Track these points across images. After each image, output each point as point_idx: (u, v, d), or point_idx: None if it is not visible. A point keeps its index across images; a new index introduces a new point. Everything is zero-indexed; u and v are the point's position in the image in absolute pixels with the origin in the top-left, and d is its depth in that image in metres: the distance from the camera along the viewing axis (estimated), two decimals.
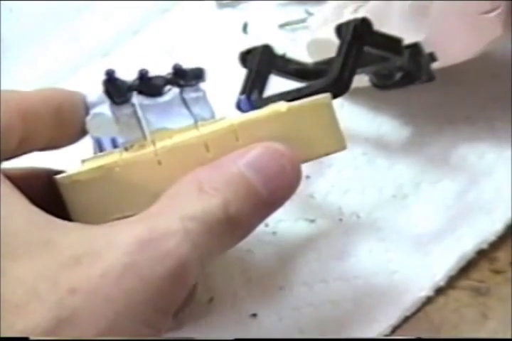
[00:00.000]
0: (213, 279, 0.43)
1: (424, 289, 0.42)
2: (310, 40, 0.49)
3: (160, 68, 0.35)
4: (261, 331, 0.41)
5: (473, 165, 0.46)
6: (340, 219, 0.45)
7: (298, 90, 0.41)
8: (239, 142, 0.33)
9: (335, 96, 0.36)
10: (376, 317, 0.41)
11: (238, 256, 0.44)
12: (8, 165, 0.33)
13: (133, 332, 0.29)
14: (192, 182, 0.32)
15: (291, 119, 0.34)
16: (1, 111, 0.32)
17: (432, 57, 0.43)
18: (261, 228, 0.43)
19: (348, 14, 0.45)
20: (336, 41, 0.41)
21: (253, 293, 0.43)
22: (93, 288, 0.29)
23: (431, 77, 0.43)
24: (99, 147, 0.35)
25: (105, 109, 0.34)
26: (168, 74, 0.35)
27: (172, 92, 0.35)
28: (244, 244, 0.42)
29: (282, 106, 0.34)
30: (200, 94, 0.35)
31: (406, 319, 0.41)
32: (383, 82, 0.44)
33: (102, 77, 0.34)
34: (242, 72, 0.44)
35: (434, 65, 0.43)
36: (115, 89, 0.34)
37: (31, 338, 0.28)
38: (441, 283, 0.42)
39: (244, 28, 0.56)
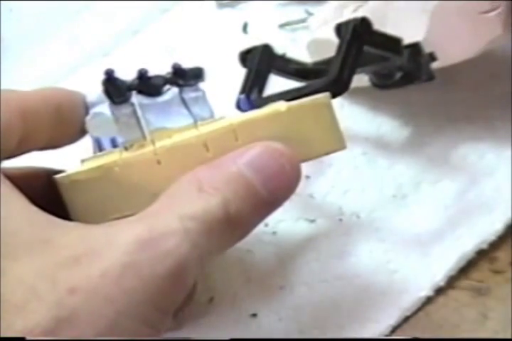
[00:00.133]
0: (213, 279, 0.43)
1: (424, 289, 0.41)
2: (310, 40, 0.49)
3: (160, 68, 0.35)
4: (261, 331, 0.41)
5: (474, 165, 0.46)
6: (340, 219, 0.45)
7: (297, 90, 0.41)
8: (238, 141, 0.33)
9: (334, 95, 0.36)
10: (376, 317, 0.41)
11: (238, 256, 0.44)
12: (8, 164, 0.33)
13: (133, 331, 0.30)
14: (191, 182, 0.32)
15: (290, 119, 0.34)
16: (1, 111, 0.32)
17: (432, 57, 0.43)
18: (261, 228, 0.43)
19: (348, 14, 0.45)
20: (335, 41, 0.41)
21: (253, 293, 0.43)
22: (93, 288, 0.29)
23: (431, 76, 0.43)
24: (99, 147, 0.35)
25: (105, 108, 0.35)
26: (168, 73, 0.35)
27: (171, 92, 0.35)
28: (244, 244, 0.42)
29: (282, 105, 0.34)
30: (199, 93, 0.35)
31: (406, 319, 0.41)
32: (383, 82, 0.44)
33: (102, 76, 0.34)
34: (242, 72, 0.44)
35: (434, 65, 0.43)
36: (114, 89, 0.34)
37: (28, 338, 0.28)
38: (441, 283, 0.42)
39: (244, 28, 0.56)
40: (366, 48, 0.40)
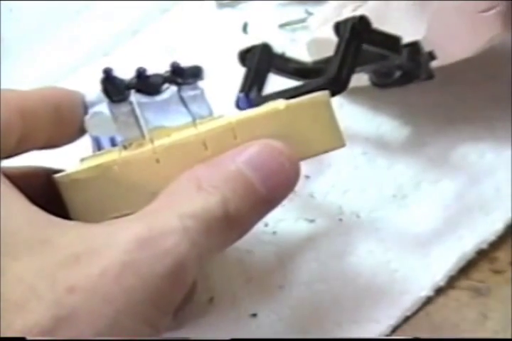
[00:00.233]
0: (213, 279, 0.43)
1: (424, 289, 0.41)
2: (310, 39, 0.49)
3: (160, 68, 0.35)
4: (261, 331, 0.41)
5: (473, 165, 0.46)
6: (340, 219, 0.45)
7: (296, 88, 0.41)
8: (237, 140, 0.33)
9: (333, 94, 0.36)
10: (376, 317, 0.41)
11: (238, 256, 0.44)
12: (8, 164, 0.33)
13: (132, 330, 0.29)
14: (190, 180, 0.32)
15: (289, 117, 0.34)
16: (1, 110, 0.32)
17: (431, 56, 0.43)
18: (261, 228, 0.43)
19: (348, 14, 0.45)
20: (335, 40, 0.41)
21: (253, 292, 0.43)
22: (92, 287, 0.29)
23: (430, 75, 0.43)
24: (98, 146, 0.35)
25: (104, 108, 0.35)
26: (166, 72, 0.35)
27: (170, 90, 0.35)
28: (244, 243, 0.42)
29: (280, 103, 0.34)
30: (197, 92, 0.35)
31: (406, 319, 0.41)
32: (382, 81, 0.44)
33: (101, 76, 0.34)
34: (241, 72, 0.44)
35: (434, 64, 0.43)
36: (113, 88, 0.34)
37: (28, 338, 0.28)
38: (441, 283, 0.42)
39: (244, 28, 0.56)
40: (365, 47, 0.40)
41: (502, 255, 0.43)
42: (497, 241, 0.43)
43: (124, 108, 0.34)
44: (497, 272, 0.42)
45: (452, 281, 0.42)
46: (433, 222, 0.44)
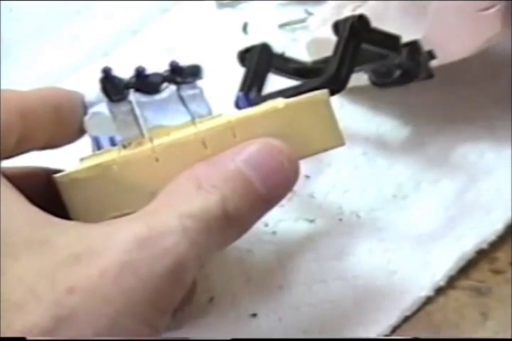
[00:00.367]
0: (213, 279, 0.43)
1: (424, 289, 0.41)
2: (310, 39, 0.49)
3: (160, 68, 0.35)
4: (261, 331, 0.41)
5: (473, 165, 0.46)
6: (340, 219, 0.45)
7: (296, 87, 0.41)
8: (236, 138, 0.33)
9: (332, 93, 0.36)
10: (376, 317, 0.41)
11: (238, 255, 0.44)
12: (7, 164, 0.33)
13: (132, 331, 0.29)
14: (190, 179, 0.32)
15: (288, 115, 0.34)
16: (0, 111, 0.32)
17: (431, 55, 0.43)
18: (261, 228, 0.43)
19: (347, 14, 0.45)
20: (335, 40, 0.41)
21: (253, 292, 0.43)
22: (91, 287, 0.29)
23: (430, 74, 0.43)
24: (98, 146, 0.35)
25: (103, 108, 0.35)
26: (165, 71, 0.35)
27: (169, 89, 0.35)
28: (244, 243, 0.42)
29: (280, 102, 0.34)
30: (197, 91, 0.35)
31: (406, 319, 0.41)
32: (382, 80, 0.44)
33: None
34: (241, 72, 0.44)
35: (433, 63, 0.43)
36: (112, 87, 0.34)
37: (28, 338, 0.28)
38: (441, 283, 0.42)
39: (244, 28, 0.56)
40: (364, 46, 0.41)
41: (502, 255, 0.43)
42: (497, 241, 0.43)
43: (123, 107, 0.34)
44: (497, 272, 0.42)
45: (452, 281, 0.42)
46: (433, 222, 0.44)
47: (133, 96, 0.34)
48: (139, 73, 0.34)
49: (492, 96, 0.48)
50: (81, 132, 0.36)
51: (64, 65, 0.55)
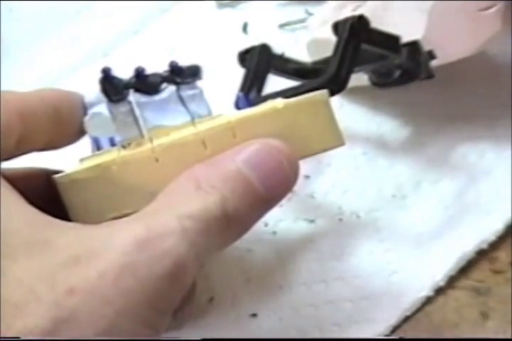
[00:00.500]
0: (213, 279, 0.43)
1: (424, 289, 0.41)
2: (310, 40, 0.49)
3: (160, 68, 0.35)
4: (261, 331, 0.41)
5: (473, 165, 0.46)
6: (340, 219, 0.45)
7: (295, 88, 0.41)
8: (236, 139, 0.33)
9: (332, 93, 0.36)
10: (376, 317, 0.41)
11: (238, 255, 0.44)
12: (7, 165, 0.33)
13: (131, 332, 0.29)
14: (189, 180, 0.32)
15: (288, 116, 0.34)
16: (0, 112, 0.32)
17: (431, 55, 0.43)
18: (261, 228, 0.43)
19: (347, 14, 0.45)
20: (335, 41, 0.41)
21: (253, 292, 0.43)
22: (91, 289, 0.29)
23: (430, 74, 0.43)
24: (97, 146, 0.35)
25: (103, 108, 0.34)
26: (165, 71, 0.35)
27: (168, 90, 0.35)
28: (244, 243, 0.42)
29: (279, 102, 0.34)
30: (196, 91, 0.35)
31: (406, 319, 0.41)
32: (382, 80, 0.44)
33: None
34: (241, 72, 0.44)
35: (433, 63, 0.43)
36: (112, 87, 0.34)
37: (22, 338, 0.28)
38: (441, 283, 0.42)
39: (244, 28, 0.56)
40: (364, 46, 0.41)
41: (502, 255, 0.43)
42: (497, 241, 0.43)
43: (122, 107, 0.34)
44: (497, 272, 0.42)
45: (452, 281, 0.42)
46: (433, 222, 0.44)
47: (132, 96, 0.34)
48: (139, 73, 0.34)
49: (492, 96, 0.48)
50: (81, 133, 0.36)
51: (64, 65, 0.55)
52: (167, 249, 0.30)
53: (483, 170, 0.46)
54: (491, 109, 0.47)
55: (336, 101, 0.44)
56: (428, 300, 0.41)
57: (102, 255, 0.29)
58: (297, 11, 0.56)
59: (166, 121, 0.34)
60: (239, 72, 0.44)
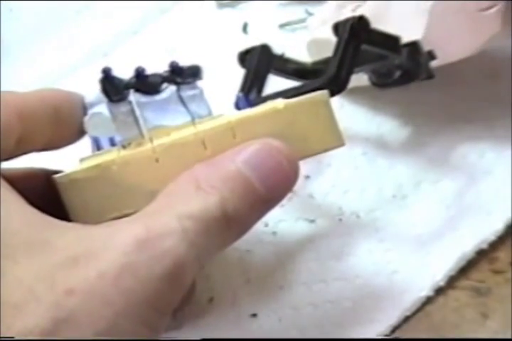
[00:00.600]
0: (213, 279, 0.43)
1: (424, 289, 0.41)
2: (310, 40, 0.49)
3: (160, 68, 0.35)
4: (261, 331, 0.41)
5: (473, 165, 0.46)
6: (340, 219, 0.45)
7: (296, 88, 0.41)
8: (236, 139, 0.33)
9: (333, 93, 0.36)
10: (376, 317, 0.41)
11: (238, 256, 0.44)
12: (7, 165, 0.33)
13: (131, 332, 0.29)
14: (189, 180, 0.32)
15: (288, 116, 0.34)
16: (0, 112, 0.32)
17: (431, 55, 0.43)
18: (261, 228, 0.43)
19: (347, 14, 0.45)
20: (335, 41, 0.41)
21: (253, 293, 0.43)
22: (90, 289, 0.29)
23: (430, 75, 0.43)
24: (98, 146, 0.35)
25: (103, 108, 0.34)
26: (165, 71, 0.35)
27: (169, 90, 0.35)
28: (244, 244, 0.42)
29: (279, 103, 0.34)
30: (196, 91, 0.35)
31: (406, 319, 0.41)
32: (382, 81, 0.44)
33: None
34: (242, 72, 0.44)
35: (433, 63, 0.43)
36: (112, 87, 0.34)
37: (16, 338, 0.28)
38: (441, 283, 0.42)
39: (244, 28, 0.56)
40: (364, 47, 0.41)
41: (502, 255, 0.43)
42: (497, 241, 0.43)
43: (123, 107, 0.34)
44: (497, 272, 0.42)
45: (452, 281, 0.42)
46: (433, 222, 0.44)
47: (133, 96, 0.34)
48: (139, 73, 0.34)
49: (492, 96, 0.48)
50: (81, 133, 0.36)
51: (64, 65, 0.55)
52: (167, 249, 0.30)
53: (483, 170, 0.46)
54: (490, 109, 0.47)
55: (337, 102, 0.44)
56: (428, 300, 0.41)
57: (102, 255, 0.29)
58: (297, 11, 0.56)
59: (166, 121, 0.34)
60: (239, 73, 0.44)
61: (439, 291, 0.42)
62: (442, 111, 0.48)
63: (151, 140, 0.34)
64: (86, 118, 0.35)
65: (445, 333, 0.40)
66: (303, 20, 0.55)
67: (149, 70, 0.35)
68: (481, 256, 0.43)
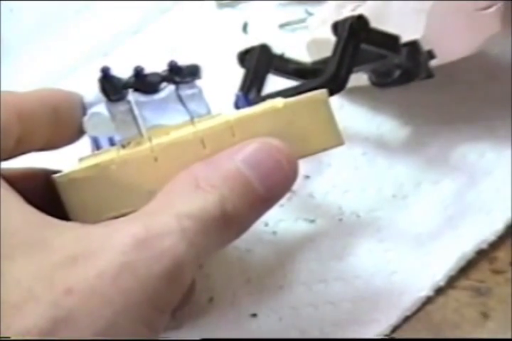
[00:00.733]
0: (213, 279, 0.43)
1: (424, 289, 0.42)
2: (310, 40, 0.49)
3: (160, 68, 0.35)
4: (261, 331, 0.41)
5: (473, 165, 0.46)
6: (340, 219, 0.45)
7: (295, 88, 0.41)
8: (235, 138, 0.33)
9: (332, 92, 0.36)
10: (376, 317, 0.41)
11: (238, 255, 0.44)
12: (6, 165, 0.33)
13: (131, 331, 0.29)
14: (188, 179, 0.32)
15: (287, 115, 0.34)
16: None
17: (431, 55, 0.43)
18: (261, 228, 0.43)
19: (347, 14, 0.45)
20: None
21: (253, 292, 0.43)
22: (89, 288, 0.29)
23: (430, 74, 0.43)
24: (97, 146, 0.35)
25: (102, 108, 0.34)
26: (164, 71, 0.35)
27: (168, 89, 0.35)
28: (244, 243, 0.42)
29: (278, 102, 0.34)
30: (195, 90, 0.35)
31: (406, 319, 0.41)
32: (382, 80, 0.44)
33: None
34: (241, 72, 0.44)
35: (433, 62, 0.43)
36: (111, 87, 0.33)
37: (13, 338, 0.28)
38: (441, 283, 0.42)
39: (244, 28, 0.56)
40: (364, 46, 0.41)
41: (502, 255, 0.43)
42: (497, 241, 0.43)
43: (121, 107, 0.34)
44: (497, 272, 0.42)
45: (452, 281, 0.42)
46: (433, 222, 0.44)
47: (132, 95, 0.34)
48: (138, 73, 0.34)
49: (492, 96, 0.48)
50: (80, 133, 0.36)
51: (64, 65, 0.55)
52: (166, 248, 0.30)
53: (483, 170, 0.46)
54: (490, 109, 0.47)
55: (337, 102, 0.44)
56: (428, 300, 0.41)
57: (101, 254, 0.29)
58: (297, 11, 0.56)
59: (165, 120, 0.34)
60: (239, 72, 0.44)
61: (439, 291, 0.42)
62: (442, 111, 0.48)
63: (150, 139, 0.34)
64: (85, 118, 0.35)
65: (445, 333, 0.41)
66: (303, 20, 0.55)
67: (149, 70, 0.35)
68: (481, 256, 0.43)
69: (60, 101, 0.35)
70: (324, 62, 0.43)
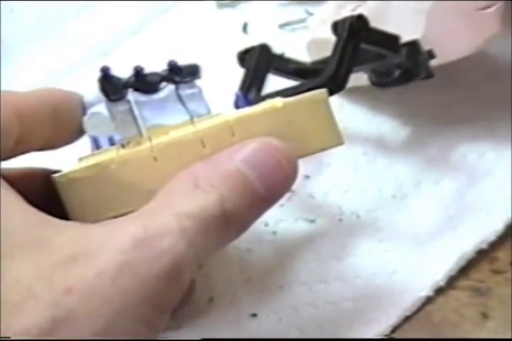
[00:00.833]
0: (213, 279, 0.43)
1: (424, 289, 0.42)
2: (310, 40, 0.49)
3: (160, 68, 0.35)
4: (261, 331, 0.41)
5: (473, 165, 0.46)
6: (340, 219, 0.45)
7: (295, 87, 0.41)
8: (235, 137, 0.33)
9: (332, 92, 0.36)
10: (376, 317, 0.41)
11: (238, 255, 0.44)
12: (6, 165, 0.33)
13: (130, 331, 0.29)
14: (188, 179, 0.32)
15: (287, 115, 0.34)
16: None
17: (431, 55, 0.43)
18: (261, 228, 0.43)
19: (347, 14, 0.45)
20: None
21: (253, 292, 0.43)
22: (89, 288, 0.29)
23: (429, 74, 0.43)
24: (97, 146, 0.35)
25: (102, 108, 0.34)
26: (164, 70, 0.35)
27: (167, 89, 0.35)
28: (244, 243, 0.42)
29: (278, 101, 0.34)
30: (195, 90, 0.35)
31: (406, 319, 0.41)
32: (382, 80, 0.44)
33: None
34: (241, 72, 0.44)
35: (433, 62, 0.43)
36: (110, 86, 0.34)
37: (12, 337, 0.28)
38: (441, 283, 0.42)
39: (244, 28, 0.56)
40: (364, 46, 0.41)
41: (502, 255, 0.43)
42: (497, 241, 0.43)
43: (121, 106, 0.34)
44: (497, 272, 0.42)
45: (452, 281, 0.42)
46: (433, 221, 0.44)
47: (131, 95, 0.34)
48: (138, 72, 0.34)
49: (492, 96, 0.48)
50: (80, 133, 0.36)
51: (64, 65, 0.55)
52: (165, 247, 0.30)
53: (483, 170, 0.46)
54: (490, 109, 0.47)
55: (337, 102, 0.44)
56: (428, 300, 0.41)
57: (100, 254, 0.29)
58: (297, 11, 0.56)
59: (165, 120, 0.34)
60: (238, 72, 0.44)
61: (439, 291, 0.42)
62: (442, 111, 0.48)
63: (149, 139, 0.34)
64: (85, 118, 0.35)
65: (445, 333, 0.41)
66: (303, 20, 0.55)
67: (149, 70, 0.35)
68: (481, 256, 0.43)
69: (60, 101, 0.35)
70: (324, 62, 0.43)
